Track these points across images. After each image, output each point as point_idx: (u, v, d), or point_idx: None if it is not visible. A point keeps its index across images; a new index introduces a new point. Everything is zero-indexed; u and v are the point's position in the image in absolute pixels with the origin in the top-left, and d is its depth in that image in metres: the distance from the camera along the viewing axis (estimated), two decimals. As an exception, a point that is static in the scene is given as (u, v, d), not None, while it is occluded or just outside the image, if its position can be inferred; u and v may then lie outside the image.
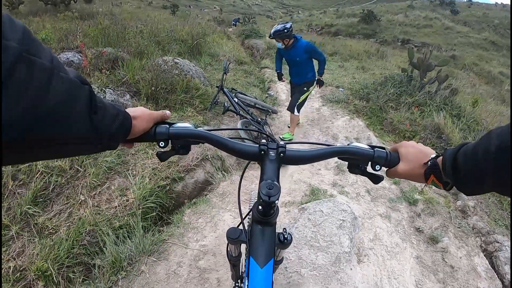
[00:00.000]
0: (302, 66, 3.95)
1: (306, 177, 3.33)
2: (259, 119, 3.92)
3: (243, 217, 0.89)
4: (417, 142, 0.75)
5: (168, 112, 0.77)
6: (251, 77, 6.08)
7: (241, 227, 0.87)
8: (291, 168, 3.46)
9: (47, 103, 0.39)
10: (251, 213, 1.07)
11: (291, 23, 3.79)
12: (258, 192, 0.67)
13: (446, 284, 2.37)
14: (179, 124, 0.75)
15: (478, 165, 0.52)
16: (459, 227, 2.89)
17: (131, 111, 0.67)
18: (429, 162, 0.67)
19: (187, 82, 3.85)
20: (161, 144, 0.72)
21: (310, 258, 2.10)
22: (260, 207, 0.69)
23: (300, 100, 4.01)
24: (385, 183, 3.43)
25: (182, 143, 0.75)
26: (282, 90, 5.99)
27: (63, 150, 0.49)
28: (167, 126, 0.73)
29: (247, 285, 0.68)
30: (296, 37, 3.84)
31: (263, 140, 0.77)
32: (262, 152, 0.74)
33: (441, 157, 0.64)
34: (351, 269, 2.14)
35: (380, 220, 2.82)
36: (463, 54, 14.83)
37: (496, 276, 2.49)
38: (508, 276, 2.46)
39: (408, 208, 3.11)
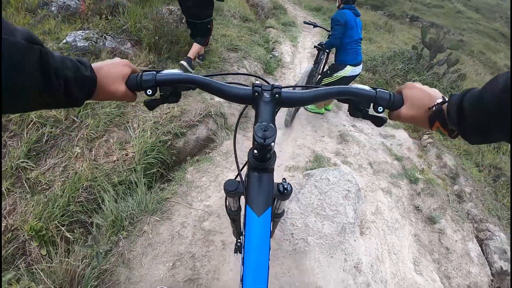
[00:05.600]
0: None
1: (310, 143, 3.26)
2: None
3: (241, 168, 0.82)
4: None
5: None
6: (255, 35, 5.77)
7: (238, 178, 0.83)
8: (295, 133, 3.38)
9: None
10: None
11: None
12: (253, 136, 0.62)
13: (440, 265, 2.42)
14: (167, 71, 0.70)
15: (484, 110, 0.49)
16: (457, 211, 2.93)
17: (97, 68, 0.62)
18: (434, 108, 0.63)
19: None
20: (148, 92, 0.68)
21: (317, 226, 2.06)
22: (255, 151, 0.66)
23: (323, 82, 3.42)
24: (388, 158, 3.40)
25: (171, 89, 0.71)
26: (287, 52, 5.77)
27: (13, 109, 0.47)
28: (154, 73, 0.69)
29: (244, 235, 0.66)
30: (346, 4, 3.20)
31: (257, 82, 0.72)
32: (256, 94, 0.70)
33: (446, 104, 0.60)
34: (354, 240, 2.13)
35: (381, 195, 2.81)
36: (471, 41, 14.41)
37: (487, 263, 2.56)
38: (496, 265, 2.54)
39: (409, 186, 3.11)
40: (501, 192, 3.39)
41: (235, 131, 0.84)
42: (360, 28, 3.34)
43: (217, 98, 3.19)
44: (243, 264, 0.63)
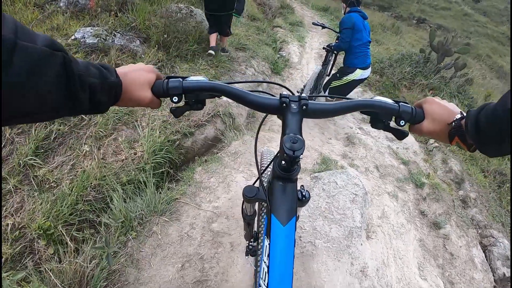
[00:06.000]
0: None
1: (317, 145, 3.26)
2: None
3: (261, 172, 0.84)
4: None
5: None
6: (263, 35, 5.77)
7: (257, 184, 0.83)
8: (302, 134, 3.37)
9: (7, 80, 0.36)
10: (267, 171, 1.04)
11: None
12: (281, 146, 0.63)
13: (444, 270, 2.41)
14: (193, 78, 0.70)
15: (497, 124, 0.52)
16: (461, 217, 2.92)
17: (123, 74, 0.60)
18: (453, 123, 0.65)
19: (200, 33, 3.59)
20: (175, 99, 0.67)
21: (324, 230, 2.07)
22: (283, 162, 0.65)
23: (332, 85, 3.47)
24: (394, 161, 3.40)
25: (196, 97, 0.70)
26: (295, 52, 5.77)
27: (34, 119, 0.46)
28: (181, 80, 0.68)
29: (269, 244, 0.66)
30: (352, 7, 3.27)
31: (284, 92, 0.72)
32: (284, 105, 0.69)
33: (464, 119, 0.62)
34: (361, 244, 2.13)
35: (388, 199, 2.81)
36: (478, 44, 14.29)
37: (490, 269, 2.55)
38: (499, 271, 2.54)
39: (415, 190, 3.10)
40: (505, 198, 3.38)
41: (256, 140, 0.84)
42: (368, 30, 3.36)
43: (225, 98, 3.19)
44: (268, 272, 0.63)
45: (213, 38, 3.69)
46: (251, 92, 0.72)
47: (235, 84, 0.75)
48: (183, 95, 0.69)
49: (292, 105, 0.70)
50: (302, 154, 0.61)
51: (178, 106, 0.70)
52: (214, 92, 0.70)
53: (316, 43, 6.71)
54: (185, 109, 0.72)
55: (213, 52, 3.62)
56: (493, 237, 2.81)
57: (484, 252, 2.71)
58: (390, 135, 3.97)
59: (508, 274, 2.52)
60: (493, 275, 2.54)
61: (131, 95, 0.62)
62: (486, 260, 2.64)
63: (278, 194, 0.68)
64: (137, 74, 0.64)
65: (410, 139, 3.92)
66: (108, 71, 0.56)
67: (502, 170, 3.73)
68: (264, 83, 4.01)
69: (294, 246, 0.66)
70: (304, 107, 0.70)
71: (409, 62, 5.33)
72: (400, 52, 5.97)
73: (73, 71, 0.46)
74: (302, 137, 0.65)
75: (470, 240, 2.75)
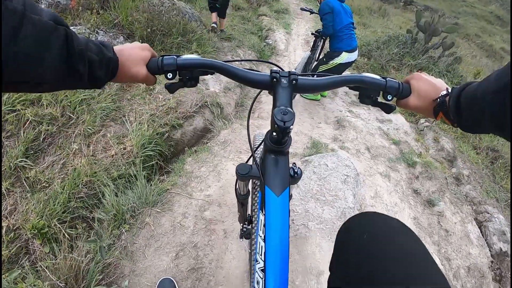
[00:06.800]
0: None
1: (307, 130, 3.27)
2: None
3: (254, 150, 0.85)
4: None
5: None
6: (248, 24, 5.77)
7: (250, 162, 0.84)
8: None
9: (16, 49, 0.38)
10: (259, 151, 1.08)
11: None
12: (272, 119, 0.65)
13: (440, 247, 2.44)
14: (186, 56, 0.72)
15: (477, 107, 0.53)
16: (455, 194, 2.95)
17: (119, 51, 0.63)
18: (438, 100, 0.67)
19: (183, 25, 3.55)
20: (169, 75, 0.70)
21: (317, 212, 2.08)
22: (274, 134, 0.67)
23: (319, 70, 3.49)
24: (385, 142, 3.42)
25: (190, 74, 0.73)
26: (281, 39, 5.74)
27: (38, 89, 0.48)
28: (175, 57, 0.70)
29: (264, 214, 0.67)
30: None
31: (274, 68, 0.76)
32: (274, 80, 0.72)
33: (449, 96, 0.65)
34: (354, 225, 2.15)
35: (380, 179, 2.83)
36: (467, 24, 14.30)
37: (486, 244, 2.59)
38: (496, 246, 2.57)
39: (407, 170, 3.12)
40: (499, 174, 3.41)
41: (248, 117, 0.86)
42: (350, 13, 3.36)
43: (212, 88, 3.18)
44: (264, 245, 0.64)
45: (214, 16, 4.47)
46: (243, 69, 0.74)
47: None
48: (177, 72, 0.71)
49: (283, 80, 0.72)
50: (292, 125, 0.63)
51: (173, 83, 0.73)
52: (208, 68, 0.73)
53: (303, 30, 6.67)
54: (179, 85, 0.74)
55: (215, 25, 4.39)
56: (488, 213, 2.85)
57: (479, 227, 2.74)
58: (380, 116, 4.00)
59: (504, 249, 2.56)
60: (490, 250, 2.57)
61: (126, 71, 0.65)
62: (482, 235, 2.67)
63: (270, 167, 0.69)
64: (133, 51, 0.67)
65: (401, 119, 3.94)
66: (106, 48, 0.58)
67: (494, 146, 3.77)
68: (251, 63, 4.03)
69: (289, 217, 0.67)
70: (294, 81, 0.72)
71: (397, 44, 5.33)
72: (387, 34, 5.95)
73: (74, 45, 0.47)
74: (292, 109, 0.66)
75: (464, 216, 2.78)
